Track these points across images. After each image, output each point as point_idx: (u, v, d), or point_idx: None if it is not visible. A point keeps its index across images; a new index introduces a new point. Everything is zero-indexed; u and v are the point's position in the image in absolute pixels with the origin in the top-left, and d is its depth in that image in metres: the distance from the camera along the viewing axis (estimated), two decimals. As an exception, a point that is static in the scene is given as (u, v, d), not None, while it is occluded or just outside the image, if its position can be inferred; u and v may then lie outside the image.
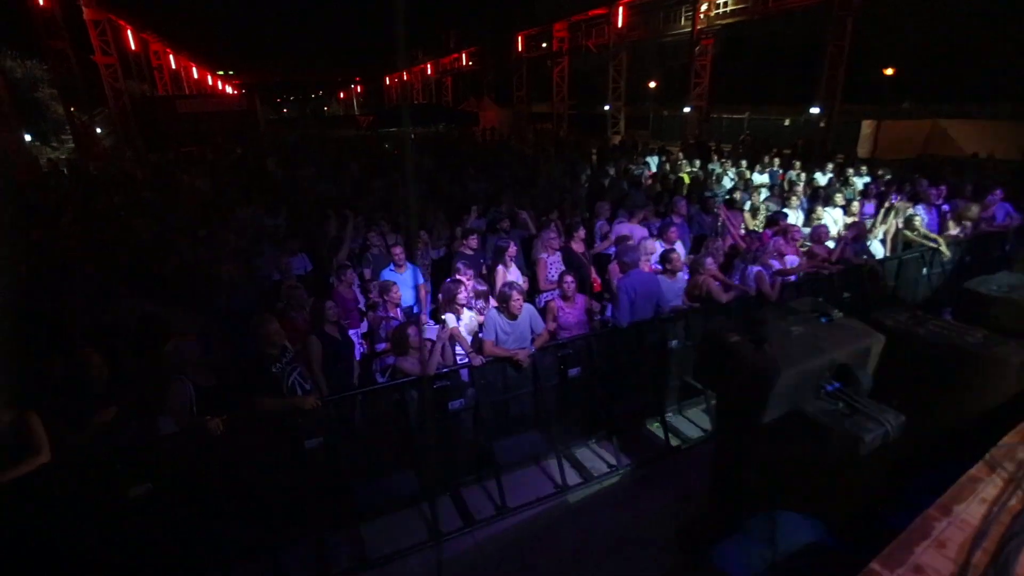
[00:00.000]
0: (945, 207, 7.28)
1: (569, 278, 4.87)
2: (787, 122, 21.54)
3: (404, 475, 4.24)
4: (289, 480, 3.89)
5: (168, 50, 32.57)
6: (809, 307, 3.77)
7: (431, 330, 4.61)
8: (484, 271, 6.05)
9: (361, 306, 5.65)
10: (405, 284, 5.61)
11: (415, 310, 5.75)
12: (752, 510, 3.49)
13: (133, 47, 25.00)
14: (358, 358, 4.75)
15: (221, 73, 47.77)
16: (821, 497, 3.29)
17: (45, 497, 3.22)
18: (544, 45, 30.69)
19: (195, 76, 39.95)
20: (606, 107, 26.66)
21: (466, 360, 4.49)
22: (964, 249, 6.84)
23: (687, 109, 22.49)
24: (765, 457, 3.47)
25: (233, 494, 3.78)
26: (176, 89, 33.27)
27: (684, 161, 12.63)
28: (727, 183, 10.05)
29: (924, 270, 6.54)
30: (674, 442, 5.04)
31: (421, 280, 5.98)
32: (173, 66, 33.76)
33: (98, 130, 20.37)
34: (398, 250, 5.77)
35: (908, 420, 3.21)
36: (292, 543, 3.94)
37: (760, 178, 10.79)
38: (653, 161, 13.69)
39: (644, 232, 6.47)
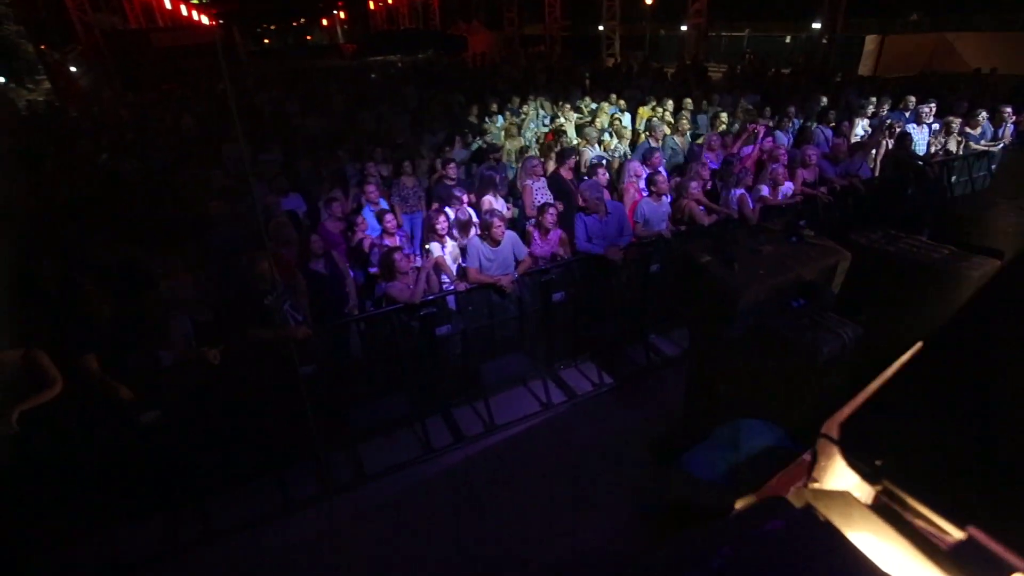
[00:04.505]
0: (935, 125, 7.20)
1: (551, 210, 4.93)
2: (788, 39, 20.65)
3: (397, 397, 4.50)
4: (288, 405, 4.14)
5: (137, -23, 30.64)
6: (781, 227, 3.88)
7: (418, 262, 4.74)
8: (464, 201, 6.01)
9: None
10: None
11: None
12: (720, 421, 3.75)
13: (99, -25, 23.55)
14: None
15: (195, 1, 45.15)
16: (783, 405, 3.52)
17: (61, 426, 3.48)
18: (535, -40, 28.84)
19: (167, 6, 37.78)
20: (600, 28, 25.45)
21: (452, 287, 4.64)
22: (951, 168, 6.84)
23: (685, 28, 21.49)
24: (733, 368, 3.68)
25: (237, 420, 4.05)
26: (149, 21, 31.60)
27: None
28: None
29: (908, 190, 6.56)
30: (656, 362, 5.30)
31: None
32: (143, -5, 31.87)
33: (72, 69, 19.57)
34: (370, 187, 5.79)
35: (874, 334, 3.40)
36: (295, 462, 4.25)
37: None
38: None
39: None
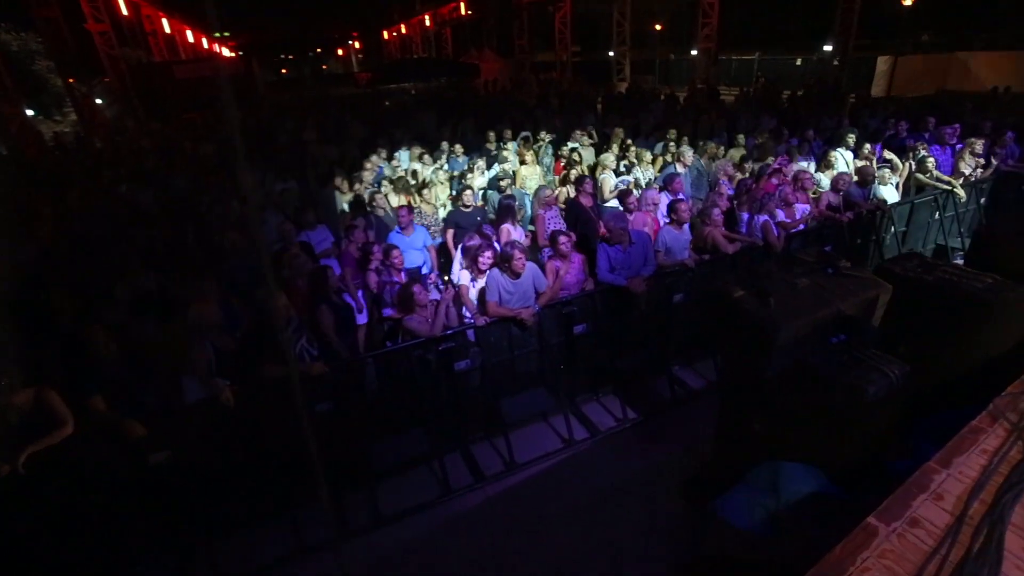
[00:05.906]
0: (959, 146, 7.02)
1: (563, 237, 4.78)
2: (799, 62, 20.67)
3: (414, 434, 4.35)
4: (303, 443, 4.00)
5: (161, 14, 31.72)
6: (815, 258, 3.72)
7: (436, 292, 4.62)
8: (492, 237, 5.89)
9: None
10: (412, 246, 5.60)
11: (424, 271, 5.74)
12: (755, 460, 3.55)
13: (125, 12, 24.35)
14: (364, 321, 4.79)
15: (217, 35, 46.54)
16: (824, 446, 3.32)
17: (71, 466, 3.37)
18: (545, -11, 29.34)
19: (190, 40, 39.02)
20: (611, 53, 25.74)
21: (471, 320, 4.51)
22: (980, 191, 6.64)
23: (695, 52, 21.62)
24: (769, 408, 3.49)
25: (251, 458, 3.92)
26: (172, 55, 32.59)
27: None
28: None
29: (936, 215, 6.37)
30: (680, 395, 5.10)
31: (429, 241, 5.95)
32: (167, 30, 32.94)
33: (98, 101, 20.09)
34: (403, 212, 5.71)
35: (915, 368, 3.20)
36: (310, 503, 4.10)
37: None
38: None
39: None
